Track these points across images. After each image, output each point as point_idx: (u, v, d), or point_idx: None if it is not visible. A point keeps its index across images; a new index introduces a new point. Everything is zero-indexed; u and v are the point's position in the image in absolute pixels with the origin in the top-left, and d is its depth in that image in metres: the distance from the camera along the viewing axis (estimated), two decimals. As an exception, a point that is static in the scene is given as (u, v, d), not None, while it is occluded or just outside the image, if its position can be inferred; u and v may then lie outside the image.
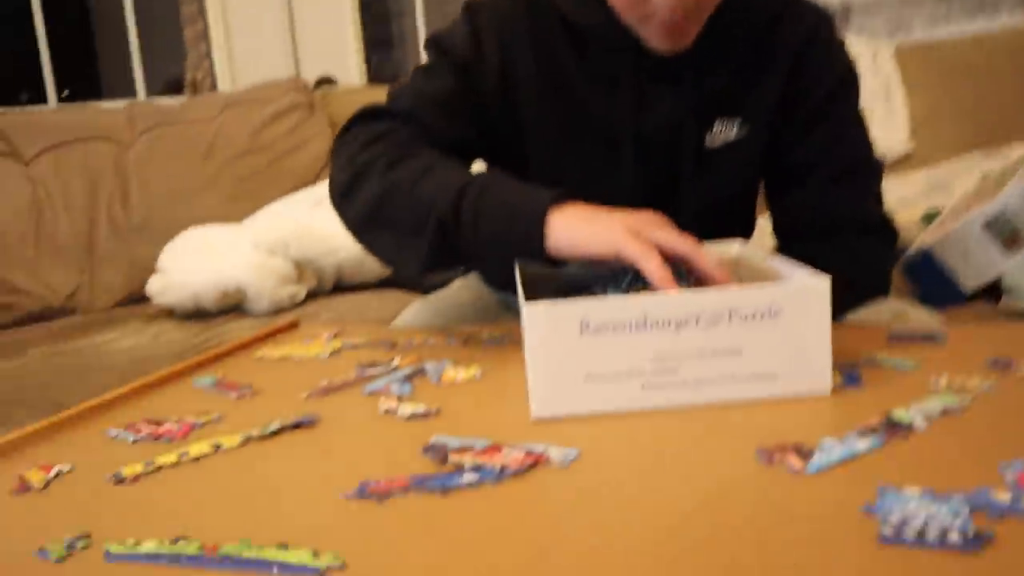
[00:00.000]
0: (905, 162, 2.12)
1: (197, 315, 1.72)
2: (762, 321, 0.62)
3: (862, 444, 0.53)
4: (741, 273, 0.86)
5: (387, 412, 0.68)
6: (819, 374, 0.64)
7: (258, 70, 3.03)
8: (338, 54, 3.35)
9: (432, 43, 1.01)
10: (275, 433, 0.65)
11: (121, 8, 3.37)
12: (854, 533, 0.42)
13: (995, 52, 2.10)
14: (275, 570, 0.44)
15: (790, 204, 1.06)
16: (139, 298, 1.91)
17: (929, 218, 1.53)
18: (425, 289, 1.43)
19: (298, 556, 0.45)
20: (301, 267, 1.73)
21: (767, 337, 0.62)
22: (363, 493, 0.52)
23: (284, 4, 3.22)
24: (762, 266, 0.80)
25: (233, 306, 1.70)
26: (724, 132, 0.99)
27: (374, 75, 3.50)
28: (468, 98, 0.98)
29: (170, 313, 1.77)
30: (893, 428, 0.55)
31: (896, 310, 0.98)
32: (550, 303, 0.62)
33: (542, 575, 0.42)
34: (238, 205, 2.07)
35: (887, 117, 2.19)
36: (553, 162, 1.01)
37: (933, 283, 1.33)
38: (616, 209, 0.77)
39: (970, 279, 1.31)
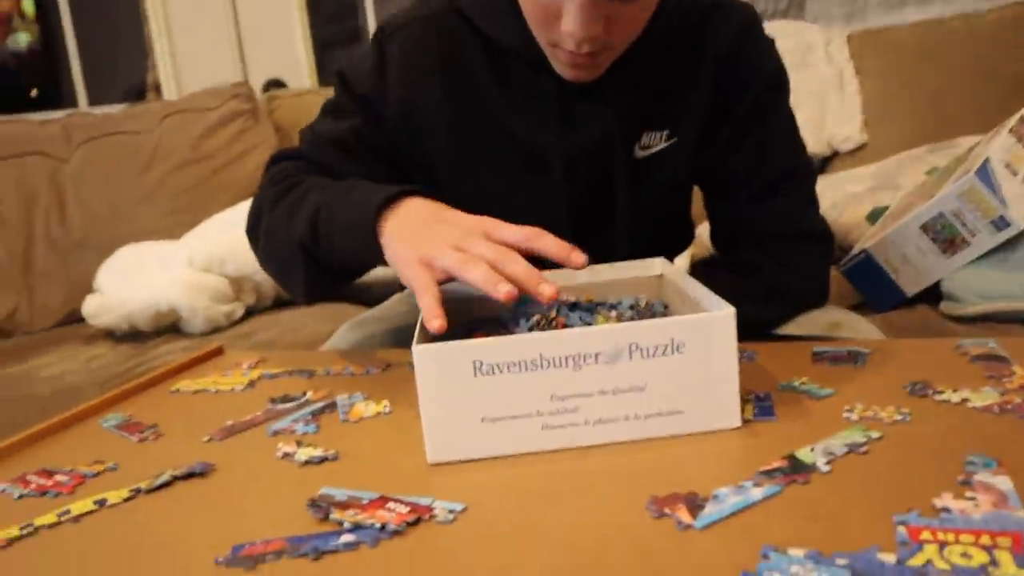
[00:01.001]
0: (858, 154, 2.09)
1: (134, 336, 1.67)
2: (665, 356, 0.59)
3: (758, 492, 0.50)
4: (665, 293, 0.83)
5: (284, 456, 0.66)
6: (727, 408, 0.61)
7: (206, 75, 2.97)
8: (287, 56, 3.29)
9: (338, 76, 1.01)
10: (166, 484, 0.62)
11: (86, 14, 3.28)
12: (730, 603, 0.40)
13: (950, 39, 2.07)
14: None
15: (724, 214, 1.05)
16: (79, 318, 1.85)
17: (875, 216, 1.51)
18: (367, 303, 1.39)
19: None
20: (239, 283, 1.68)
21: (671, 372, 0.59)
22: (235, 558, 0.50)
23: (228, 7, 3.15)
24: (683, 287, 0.77)
25: (169, 326, 1.65)
26: (652, 143, 0.97)
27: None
28: (370, 133, 0.97)
29: (108, 334, 1.72)
30: (794, 471, 0.53)
31: (832, 320, 0.96)
32: (441, 344, 0.59)
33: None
34: (179, 218, 2.02)
35: (840, 107, 2.16)
36: (475, 188, 0.98)
37: (874, 286, 1.31)
38: (458, 214, 0.74)
39: (910, 283, 1.28)
